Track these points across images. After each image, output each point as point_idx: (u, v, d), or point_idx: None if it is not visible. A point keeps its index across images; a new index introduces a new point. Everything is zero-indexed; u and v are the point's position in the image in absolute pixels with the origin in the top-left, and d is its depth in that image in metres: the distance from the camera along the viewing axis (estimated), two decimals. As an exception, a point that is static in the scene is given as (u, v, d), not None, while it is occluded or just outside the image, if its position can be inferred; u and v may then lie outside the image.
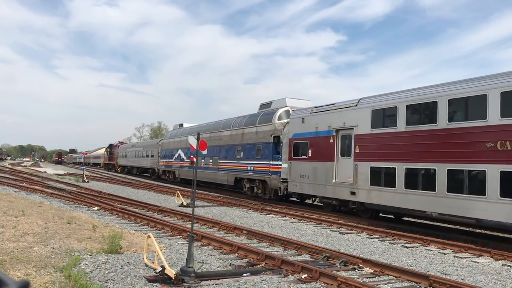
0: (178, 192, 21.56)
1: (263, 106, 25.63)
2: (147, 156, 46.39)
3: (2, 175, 36.34)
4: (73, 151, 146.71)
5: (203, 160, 29.92)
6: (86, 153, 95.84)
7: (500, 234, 13.46)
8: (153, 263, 7.70)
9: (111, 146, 68.26)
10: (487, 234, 13.79)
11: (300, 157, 19.44)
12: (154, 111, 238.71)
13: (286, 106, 22.89)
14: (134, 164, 52.62)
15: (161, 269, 7.12)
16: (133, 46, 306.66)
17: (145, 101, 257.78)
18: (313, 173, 18.43)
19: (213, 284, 6.98)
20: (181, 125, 38.53)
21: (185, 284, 6.83)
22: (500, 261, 9.96)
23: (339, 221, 15.32)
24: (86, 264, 7.67)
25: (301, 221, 15.60)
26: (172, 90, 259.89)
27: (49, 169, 63.75)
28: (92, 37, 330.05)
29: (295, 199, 22.91)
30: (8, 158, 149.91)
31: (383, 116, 15.17)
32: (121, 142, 69.68)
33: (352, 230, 13.84)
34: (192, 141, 8.58)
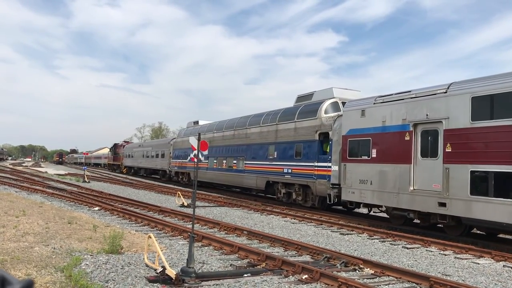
0: (179, 192, 21.56)
1: (301, 98, 21.89)
2: (157, 156, 43.04)
3: (3, 175, 36.38)
4: (74, 151, 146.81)
5: (224, 161, 27.05)
6: (87, 153, 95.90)
7: (501, 236, 13.44)
8: (154, 263, 7.71)
9: (115, 146, 65.65)
10: (488, 235, 13.76)
11: (359, 158, 15.85)
12: (155, 111, 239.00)
13: (333, 98, 19.24)
14: (141, 165, 49.15)
15: (161, 269, 7.12)
16: (134, 46, 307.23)
17: (146, 101, 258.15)
18: (379, 178, 14.84)
19: (214, 284, 6.98)
20: (196, 122, 35.21)
21: (186, 285, 6.83)
22: (501, 262, 9.95)
23: (340, 222, 15.32)
24: (87, 264, 7.68)
25: (302, 222, 15.60)
26: (173, 90, 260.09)
27: (50, 169, 63.81)
28: (93, 37, 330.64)
29: (341, 207, 19.70)
30: (9, 158, 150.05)
31: (493, 104, 11.77)
32: (127, 142, 67.71)
33: (352, 231, 13.84)
34: (193, 141, 8.58)
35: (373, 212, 17.04)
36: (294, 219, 16.26)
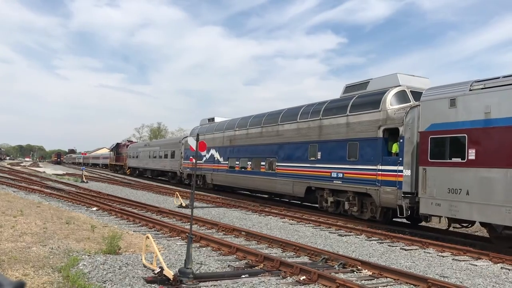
0: (177, 193, 21.54)
1: (351, 88, 18.24)
2: (166, 156, 39.58)
3: (1, 174, 36.29)
4: (72, 151, 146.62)
5: (249, 163, 23.73)
6: (85, 154, 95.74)
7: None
8: (152, 264, 7.70)
9: (118, 145, 62.13)
10: (486, 237, 13.78)
11: (448, 161, 12.55)
12: (153, 112, 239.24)
13: (399, 86, 15.69)
14: (148, 166, 45.57)
15: (159, 270, 7.11)
16: (133, 46, 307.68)
17: (145, 101, 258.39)
18: (481, 186, 11.50)
19: (212, 285, 6.98)
20: (211, 119, 32.19)
21: (184, 285, 6.82)
22: (498, 264, 9.96)
23: (338, 223, 15.31)
24: (85, 265, 7.66)
25: (300, 223, 15.60)
26: (172, 91, 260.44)
27: (48, 169, 63.71)
28: (93, 38, 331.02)
29: (405, 220, 16.15)
30: (7, 158, 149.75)
31: None
32: (130, 141, 65.15)
33: (351, 232, 13.84)
34: (192, 142, 8.57)
35: (453, 227, 13.95)
36: (292, 220, 16.25)
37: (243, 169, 24.51)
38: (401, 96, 15.51)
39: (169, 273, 6.90)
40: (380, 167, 15.12)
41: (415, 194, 13.71)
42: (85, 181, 34.27)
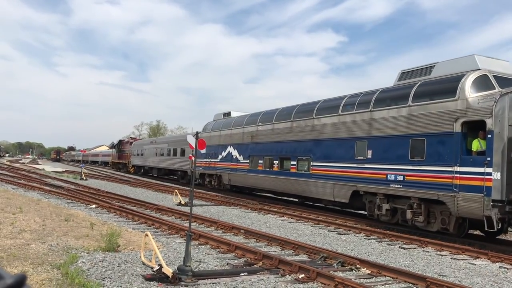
0: (176, 190, 21.54)
1: (408, 74, 15.46)
2: (175, 154, 36.74)
3: (0, 171, 36.28)
4: (71, 148, 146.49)
5: (276, 162, 21.20)
6: (84, 151, 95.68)
7: (498, 237, 13.48)
8: (151, 261, 7.70)
9: (121, 142, 59.55)
10: (485, 236, 13.80)
11: None
12: (153, 109, 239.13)
13: (478, 70, 13.10)
14: (154, 165, 42.77)
15: (158, 267, 7.11)
16: (133, 44, 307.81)
17: (144, 99, 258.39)
18: None
19: (210, 283, 6.98)
20: (227, 114, 29.53)
21: (182, 283, 6.82)
22: (497, 263, 9.97)
23: (337, 222, 15.32)
24: (84, 262, 7.67)
25: (299, 221, 15.61)
26: (171, 88, 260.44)
27: (48, 167, 63.68)
28: (93, 35, 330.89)
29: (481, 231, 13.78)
30: (7, 155, 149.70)
31: None
32: (134, 138, 62.50)
33: (350, 230, 13.85)
34: (191, 139, 8.57)
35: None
36: (291, 218, 16.26)
37: (267, 169, 21.94)
38: (483, 82, 12.82)
39: (168, 270, 6.90)
40: (458, 169, 12.43)
41: (506, 203, 11.36)
42: (84, 178, 34.25)
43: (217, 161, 27.59)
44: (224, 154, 26.87)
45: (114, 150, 63.72)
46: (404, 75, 15.67)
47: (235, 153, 25.59)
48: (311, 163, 18.65)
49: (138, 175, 45.95)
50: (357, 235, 13.22)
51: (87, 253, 8.42)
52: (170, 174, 40.30)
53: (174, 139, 39.94)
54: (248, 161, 23.87)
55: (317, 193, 18.28)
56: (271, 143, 22.03)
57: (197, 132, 8.81)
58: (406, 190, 13.89)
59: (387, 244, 11.91)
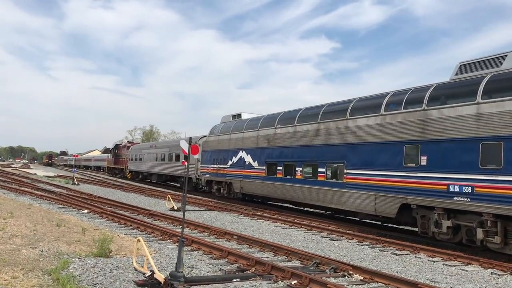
0: (169, 196, 21.46)
1: (469, 66, 13.33)
2: (177, 159, 34.73)
3: (-9, 176, 35.97)
4: (63, 153, 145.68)
5: (299, 169, 18.87)
6: (77, 156, 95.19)
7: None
8: (143, 267, 7.66)
9: (117, 147, 56.95)
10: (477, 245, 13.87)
11: None
12: (147, 114, 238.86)
13: None
14: (154, 170, 40.58)
15: (150, 273, 7.08)
16: (127, 49, 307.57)
17: (138, 104, 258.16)
18: None
19: (203, 289, 6.94)
20: (237, 115, 26.86)
21: (174, 289, 6.78)
22: (488, 270, 10.03)
23: (330, 228, 15.33)
24: (75, 268, 7.61)
25: (292, 227, 15.60)
26: (165, 93, 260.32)
27: (39, 171, 63.22)
28: (87, 39, 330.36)
29: None
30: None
31: None
32: (131, 142, 60.63)
33: (342, 236, 13.87)
34: (184, 145, 8.55)
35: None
36: (284, 224, 16.25)
37: (288, 177, 19.69)
38: None
39: (160, 276, 6.87)
40: None
41: None
42: (76, 183, 34.04)
43: (226, 167, 25.19)
44: (235, 159, 24.44)
45: (110, 154, 61.58)
46: (464, 68, 13.46)
47: (248, 158, 23.11)
48: (345, 171, 16.12)
49: (135, 181, 44.33)
50: (349, 241, 13.23)
51: (78, 258, 8.36)
52: (172, 180, 38.15)
53: (177, 143, 35.21)
54: (264, 167, 21.57)
55: (353, 206, 15.76)
56: (293, 147, 19.59)
57: (190, 138, 8.79)
58: (477, 204, 11.56)
59: (379, 250, 11.94)
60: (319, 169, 17.71)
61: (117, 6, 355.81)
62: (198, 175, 29.80)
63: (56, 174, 52.99)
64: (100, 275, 7.27)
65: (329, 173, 17.29)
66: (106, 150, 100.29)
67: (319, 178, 17.61)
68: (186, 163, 8.39)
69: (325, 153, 17.51)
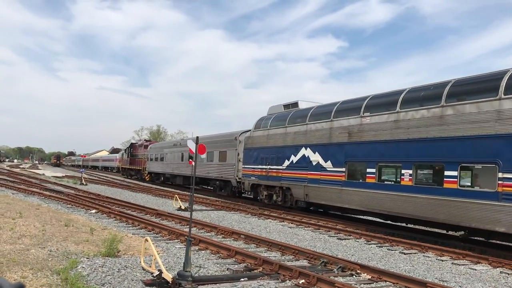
0: (176, 195, 21.51)
1: None
2: (210, 159, 29.47)
3: (0, 177, 36.25)
4: (71, 153, 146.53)
5: (407, 172, 13.79)
6: (84, 156, 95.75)
7: (498, 242, 13.44)
8: (150, 267, 7.68)
9: (133, 146, 53.27)
10: (485, 241, 13.77)
11: None
12: (153, 114, 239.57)
13: None
14: (179, 172, 35.72)
15: (158, 273, 7.10)
16: (134, 49, 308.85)
17: (145, 104, 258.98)
18: None
19: (210, 288, 6.95)
20: (293, 104, 22.00)
21: (182, 288, 6.80)
22: (498, 269, 9.95)
23: (337, 227, 15.29)
24: (83, 267, 7.65)
25: (299, 226, 15.58)
26: (172, 93, 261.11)
27: (48, 171, 63.64)
28: (94, 40, 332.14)
29: None
30: (7, 160, 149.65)
31: None
32: (149, 141, 57.13)
33: (350, 235, 13.82)
34: (191, 144, 8.56)
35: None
36: (292, 223, 16.23)
37: (388, 183, 14.78)
38: None
39: (168, 276, 6.89)
40: None
41: None
42: (84, 183, 34.23)
43: (281, 169, 20.47)
44: (294, 158, 19.66)
45: (124, 154, 57.48)
46: None
47: (315, 157, 18.23)
48: (499, 175, 11.17)
49: (151, 183, 40.72)
50: (357, 240, 13.19)
51: (87, 258, 8.41)
52: (202, 183, 33.40)
53: (211, 140, 29.89)
54: (342, 169, 16.54)
55: None
56: (395, 142, 14.47)
57: (197, 137, 8.79)
58: None
59: (387, 249, 11.89)
60: (446, 172, 12.64)
61: (124, 7, 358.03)
62: (239, 178, 25.18)
63: (64, 175, 53.31)
64: (109, 275, 7.31)
65: (466, 177, 12.40)
66: (113, 150, 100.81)
67: (445, 185, 12.57)
68: (193, 163, 8.39)
69: (456, 149, 12.47)
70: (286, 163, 20.19)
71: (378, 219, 16.47)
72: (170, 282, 6.81)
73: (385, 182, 14.87)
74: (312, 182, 18.27)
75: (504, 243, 13.03)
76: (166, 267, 7.74)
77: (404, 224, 16.20)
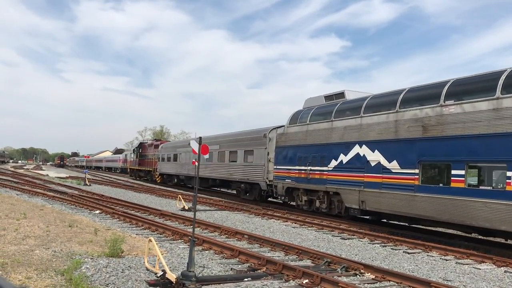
0: (180, 196, 21.54)
1: None
2: (233, 159, 26.38)
3: (4, 177, 36.39)
4: (75, 154, 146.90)
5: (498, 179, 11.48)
6: (88, 157, 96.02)
7: (503, 241, 13.40)
8: (154, 267, 7.70)
9: (142, 146, 50.52)
10: (489, 240, 13.73)
11: None
12: (157, 115, 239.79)
13: None
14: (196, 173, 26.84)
15: (162, 273, 7.11)
16: (138, 50, 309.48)
17: (148, 105, 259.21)
18: None
19: (214, 288, 6.96)
20: (338, 94, 18.75)
21: (186, 289, 6.81)
22: (502, 268, 9.91)
23: (341, 227, 15.27)
24: (87, 268, 7.67)
25: (303, 226, 15.57)
26: (175, 94, 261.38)
27: (51, 172, 63.82)
28: (98, 41, 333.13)
29: None
30: (11, 161, 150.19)
31: None
32: (159, 140, 54.93)
33: (353, 235, 13.81)
34: (194, 145, 8.56)
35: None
36: (295, 223, 16.22)
37: (486, 188, 11.83)
38: None
39: (172, 276, 6.90)
40: None
41: None
42: (88, 184, 34.32)
43: (327, 170, 17.50)
44: (344, 158, 16.68)
45: (133, 155, 54.51)
46: None
47: (374, 156, 15.18)
48: None
49: (169, 186, 37.24)
50: (361, 239, 13.17)
51: (91, 259, 8.43)
52: (222, 186, 30.75)
53: (233, 138, 27.43)
54: (415, 171, 13.47)
55: None
56: (497, 136, 11.30)
57: (200, 138, 8.79)
58: None
59: (391, 248, 11.87)
60: None
61: (127, 8, 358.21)
62: (270, 180, 22.04)
63: (68, 175, 53.44)
64: (113, 275, 7.32)
65: None
66: (117, 151, 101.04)
67: None
68: (196, 163, 8.39)
69: None
70: (333, 163, 17.19)
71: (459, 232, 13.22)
72: (174, 282, 6.81)
73: (481, 187, 11.90)
74: (371, 186, 15.15)
75: (508, 242, 13.00)
76: (170, 267, 7.75)
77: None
